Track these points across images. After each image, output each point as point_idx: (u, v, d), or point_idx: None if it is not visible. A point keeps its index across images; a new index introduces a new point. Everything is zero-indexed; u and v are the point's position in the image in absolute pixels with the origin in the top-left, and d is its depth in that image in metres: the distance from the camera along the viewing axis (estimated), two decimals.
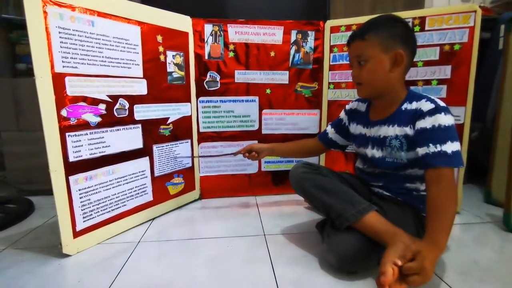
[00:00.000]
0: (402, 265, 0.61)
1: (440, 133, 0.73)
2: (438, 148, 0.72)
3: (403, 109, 0.82)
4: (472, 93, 1.08)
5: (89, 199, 0.94)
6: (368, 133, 0.90)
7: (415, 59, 1.13)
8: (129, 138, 1.05)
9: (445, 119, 0.73)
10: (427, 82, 1.14)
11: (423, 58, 1.14)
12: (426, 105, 0.77)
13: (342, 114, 1.04)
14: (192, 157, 1.31)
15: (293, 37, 1.33)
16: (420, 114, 0.77)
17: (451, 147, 0.71)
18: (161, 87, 1.15)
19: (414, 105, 0.79)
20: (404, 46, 0.79)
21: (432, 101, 0.77)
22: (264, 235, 1.01)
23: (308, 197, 0.90)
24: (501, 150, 1.21)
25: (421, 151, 0.74)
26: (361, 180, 0.97)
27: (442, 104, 0.76)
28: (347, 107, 1.03)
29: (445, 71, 1.11)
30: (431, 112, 0.75)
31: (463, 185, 1.13)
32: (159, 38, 1.12)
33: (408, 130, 0.79)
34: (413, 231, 0.78)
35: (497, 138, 1.23)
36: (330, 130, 1.08)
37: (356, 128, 0.96)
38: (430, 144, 0.73)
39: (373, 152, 0.88)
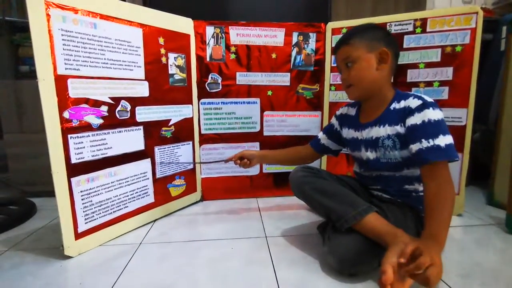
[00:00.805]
0: (407, 263, 0.57)
1: (430, 128, 0.73)
2: (431, 142, 0.72)
3: (392, 108, 0.83)
4: (474, 95, 1.07)
5: (91, 201, 0.94)
6: (360, 136, 0.90)
7: (417, 61, 1.15)
8: (131, 140, 1.05)
9: (434, 114, 0.74)
10: (429, 83, 1.14)
11: (424, 59, 1.14)
12: (413, 102, 0.78)
13: (333, 120, 1.05)
14: (196, 163, 1.32)
15: (294, 39, 1.33)
16: (409, 112, 0.77)
17: (443, 140, 0.72)
18: (162, 89, 1.15)
19: (402, 103, 0.81)
20: (387, 46, 0.81)
21: (419, 97, 0.78)
22: (266, 237, 1.01)
23: (308, 201, 0.90)
24: (503, 151, 1.20)
25: (414, 147, 0.74)
26: (360, 182, 0.97)
27: (429, 99, 0.77)
28: (338, 112, 1.03)
29: (447, 73, 1.11)
30: (419, 108, 0.76)
31: (465, 187, 1.13)
32: (161, 40, 1.13)
33: (399, 129, 0.80)
34: (413, 232, 0.79)
35: (499, 140, 1.22)
36: (322, 136, 1.08)
37: (348, 133, 0.96)
38: (423, 140, 0.73)
39: (367, 155, 0.88)
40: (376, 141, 0.85)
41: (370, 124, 0.87)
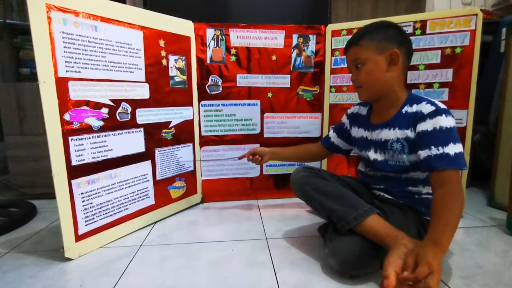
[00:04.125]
0: (409, 274, 0.57)
1: (441, 135, 0.72)
2: (440, 150, 0.71)
3: (404, 112, 0.82)
4: (474, 96, 1.07)
5: (91, 203, 0.94)
6: (369, 136, 0.90)
7: (416, 62, 1.15)
8: (131, 142, 1.05)
9: (446, 121, 0.73)
10: (429, 85, 1.14)
11: (424, 61, 1.14)
12: (426, 108, 0.77)
13: (344, 118, 1.04)
14: (199, 160, 1.33)
15: (294, 41, 1.33)
16: (420, 117, 0.77)
17: (453, 149, 0.71)
18: (163, 91, 1.15)
19: (415, 107, 0.80)
20: (398, 46, 0.80)
21: (433, 103, 0.77)
22: (266, 239, 1.00)
23: (309, 201, 0.90)
24: (504, 153, 1.20)
25: (423, 153, 0.74)
26: (362, 183, 0.96)
27: (442, 106, 0.76)
28: (349, 111, 1.03)
29: (447, 74, 1.11)
30: (432, 115, 0.75)
31: (466, 188, 1.13)
32: (161, 43, 1.13)
33: (409, 133, 0.79)
34: (415, 234, 0.78)
35: (500, 141, 1.22)
36: (332, 134, 1.08)
37: (357, 132, 0.96)
38: (432, 147, 0.72)
39: (376, 156, 0.88)
40: (385, 144, 0.84)
41: (381, 125, 0.86)
